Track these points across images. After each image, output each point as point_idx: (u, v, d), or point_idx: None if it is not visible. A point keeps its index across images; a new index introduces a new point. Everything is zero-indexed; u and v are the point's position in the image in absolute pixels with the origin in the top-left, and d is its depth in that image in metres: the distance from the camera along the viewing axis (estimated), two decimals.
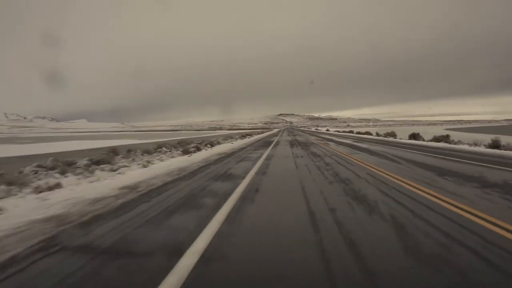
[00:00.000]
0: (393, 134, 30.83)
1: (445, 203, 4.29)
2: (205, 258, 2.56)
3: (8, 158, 18.88)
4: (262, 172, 8.08)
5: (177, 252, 2.67)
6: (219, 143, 25.77)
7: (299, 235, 3.20)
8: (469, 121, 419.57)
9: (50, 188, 6.01)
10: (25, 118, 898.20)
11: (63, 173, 8.65)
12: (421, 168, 8.28)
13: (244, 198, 4.89)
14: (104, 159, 11.38)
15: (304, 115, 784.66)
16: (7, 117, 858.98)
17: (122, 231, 3.36)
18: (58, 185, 6.38)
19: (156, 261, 2.60)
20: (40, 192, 5.64)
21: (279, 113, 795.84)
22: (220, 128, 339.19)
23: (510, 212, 3.93)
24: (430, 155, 12.02)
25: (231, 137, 37.05)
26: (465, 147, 16.52)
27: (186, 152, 17.00)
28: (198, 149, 19.16)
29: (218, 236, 3.12)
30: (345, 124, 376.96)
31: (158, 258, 2.66)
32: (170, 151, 17.69)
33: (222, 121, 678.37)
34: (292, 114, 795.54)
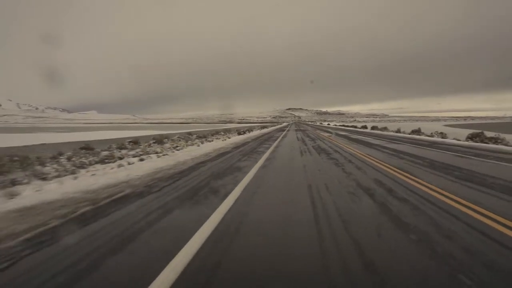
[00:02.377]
0: (365, 127, 46.62)
1: (333, 142, 20.53)
2: (282, 139, 18.93)
3: (91, 141, 34.69)
4: (285, 135, 24.48)
5: (278, 136, 19.01)
6: (251, 130, 41.96)
7: (295, 140, 19.59)
8: (473, 118, 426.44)
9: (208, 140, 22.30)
10: (36, 108, 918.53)
11: (186, 140, 24.78)
12: (337, 135, 24.29)
13: (284, 137, 21.41)
14: (202, 135, 27.47)
15: (312, 110, 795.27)
16: (19, 107, 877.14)
17: (260, 140, 19.74)
18: (203, 142, 22.61)
19: (274, 138, 18.89)
20: (206, 142, 21.93)
21: (287, 107, 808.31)
22: (231, 122, 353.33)
23: (347, 140, 20.07)
24: (357, 135, 27.86)
25: (254, 128, 53.29)
26: (391, 133, 32.17)
27: (239, 134, 33.14)
28: (244, 133, 35.34)
29: (282, 138, 19.57)
30: (352, 119, 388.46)
31: (273, 139, 18.94)
32: (225, 134, 33.70)
33: (231, 114, 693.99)
34: (301, 108, 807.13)
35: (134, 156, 11.94)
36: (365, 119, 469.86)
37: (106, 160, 10.51)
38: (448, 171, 6.71)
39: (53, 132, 54.11)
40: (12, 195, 4.58)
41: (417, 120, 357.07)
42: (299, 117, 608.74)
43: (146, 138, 23.53)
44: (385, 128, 36.17)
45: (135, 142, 19.51)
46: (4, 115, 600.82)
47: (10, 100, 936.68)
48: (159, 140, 21.36)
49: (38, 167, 7.85)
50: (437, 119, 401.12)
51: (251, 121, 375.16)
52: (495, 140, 16.09)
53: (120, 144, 16.81)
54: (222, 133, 34.49)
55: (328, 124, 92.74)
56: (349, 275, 2.17)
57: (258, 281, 2.14)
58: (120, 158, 11.10)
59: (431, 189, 4.89)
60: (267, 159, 9.29)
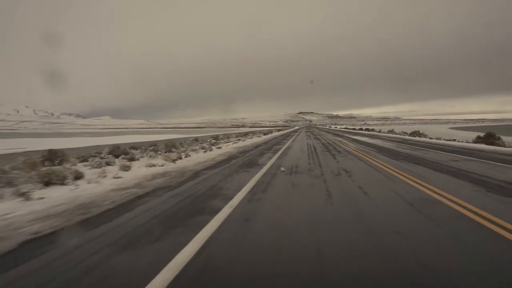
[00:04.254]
0: (361, 129, 58.49)
1: (325, 136, 33.06)
2: (297, 136, 31.64)
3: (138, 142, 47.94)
4: (298, 134, 37.10)
5: (294, 135, 31.71)
6: (271, 132, 54.55)
7: (305, 136, 32.15)
8: (483, 120, 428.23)
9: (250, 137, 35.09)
10: (52, 114, 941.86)
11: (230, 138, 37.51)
12: (333, 134, 36.60)
13: (297, 135, 34.13)
14: (239, 135, 40.28)
15: (324, 113, 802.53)
16: (36, 114, 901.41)
17: (283, 136, 32.47)
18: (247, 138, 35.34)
19: (291, 136, 31.56)
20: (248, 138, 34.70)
21: (299, 111, 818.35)
22: (243, 126, 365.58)
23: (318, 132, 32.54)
24: (345, 133, 40.09)
25: (272, 131, 65.90)
26: (375, 132, 44.17)
27: (265, 134, 45.87)
28: (267, 134, 48.01)
29: (297, 136, 32.11)
30: (362, 123, 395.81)
31: (291, 136, 31.61)
32: (254, 135, 46.39)
33: (244, 119, 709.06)
34: (312, 112, 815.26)
35: (225, 142, 24.64)
36: (375, 122, 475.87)
37: (216, 145, 23.20)
38: (356, 142, 19.18)
39: (87, 136, 57.69)
40: (216, 147, 17.31)
41: (426, 123, 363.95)
42: (310, 120, 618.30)
43: (204, 138, 35.87)
44: (372, 130, 48.17)
45: (196, 139, 31.74)
46: (23, 121, 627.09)
47: (27, 107, 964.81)
48: (216, 138, 33.92)
49: (194, 146, 20.53)
50: (448, 122, 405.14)
51: (263, 125, 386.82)
52: (419, 135, 28.04)
53: (190, 142, 29.21)
54: (251, 134, 47.09)
55: (336, 127, 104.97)
56: (312, 147, 14.82)
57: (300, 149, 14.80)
58: (216, 143, 23.75)
59: (340, 142, 17.48)
60: (292, 140, 22.00)
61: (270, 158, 10.29)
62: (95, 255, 2.53)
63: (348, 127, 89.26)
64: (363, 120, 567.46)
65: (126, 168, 8.87)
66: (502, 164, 8.05)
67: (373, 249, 2.59)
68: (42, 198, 4.82)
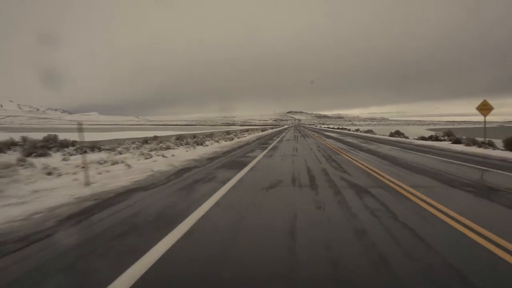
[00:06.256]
0: (339, 128, 71.92)
1: (306, 131, 46.30)
2: (288, 131, 44.79)
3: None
4: (287, 130, 50.22)
5: (286, 130, 44.79)
6: (266, 129, 67.44)
7: (293, 131, 45.30)
8: (460, 122, 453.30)
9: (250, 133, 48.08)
10: (37, 109, 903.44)
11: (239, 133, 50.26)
12: (314, 131, 49.85)
13: (288, 130, 47.10)
14: (242, 131, 53.04)
15: (312, 113, 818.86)
16: (20, 109, 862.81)
17: (278, 130, 45.57)
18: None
19: (284, 131, 44.63)
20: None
21: (288, 111, 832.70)
22: (233, 124, 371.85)
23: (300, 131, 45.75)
24: (323, 131, 53.38)
25: (267, 129, 78.80)
26: (346, 131, 57.58)
27: (263, 130, 58.88)
28: (264, 131, 61.05)
29: (287, 131, 45.25)
30: (349, 123, 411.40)
31: (284, 131, 44.67)
32: (254, 131, 59.24)
33: (234, 117, 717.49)
34: (301, 112, 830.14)
35: (241, 134, 37.50)
36: (362, 122, 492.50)
37: (236, 136, 36.01)
38: (322, 134, 32.33)
39: (95, 132, 63.98)
40: (240, 136, 30.21)
41: (409, 124, 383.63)
42: (299, 120, 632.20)
43: (218, 133, 48.21)
44: (345, 128, 61.68)
45: (211, 134, 44.15)
46: (9, 116, 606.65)
47: (11, 101, 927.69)
48: (227, 132, 46.48)
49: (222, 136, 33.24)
50: (430, 124, 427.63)
51: (253, 123, 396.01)
52: (372, 132, 41.31)
53: (209, 134, 41.64)
54: (252, 131, 59.76)
55: (321, 127, 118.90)
56: (297, 137, 27.93)
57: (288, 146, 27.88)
58: (236, 135, 36.54)
59: (312, 134, 30.59)
60: (286, 133, 35.05)
61: (277, 139, 23.23)
62: (252, 147, 15.55)
63: (330, 126, 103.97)
64: (350, 121, 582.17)
65: (219, 141, 21.63)
66: (371, 141, 21.10)
67: (305, 148, 15.64)
68: (207, 146, 17.67)
